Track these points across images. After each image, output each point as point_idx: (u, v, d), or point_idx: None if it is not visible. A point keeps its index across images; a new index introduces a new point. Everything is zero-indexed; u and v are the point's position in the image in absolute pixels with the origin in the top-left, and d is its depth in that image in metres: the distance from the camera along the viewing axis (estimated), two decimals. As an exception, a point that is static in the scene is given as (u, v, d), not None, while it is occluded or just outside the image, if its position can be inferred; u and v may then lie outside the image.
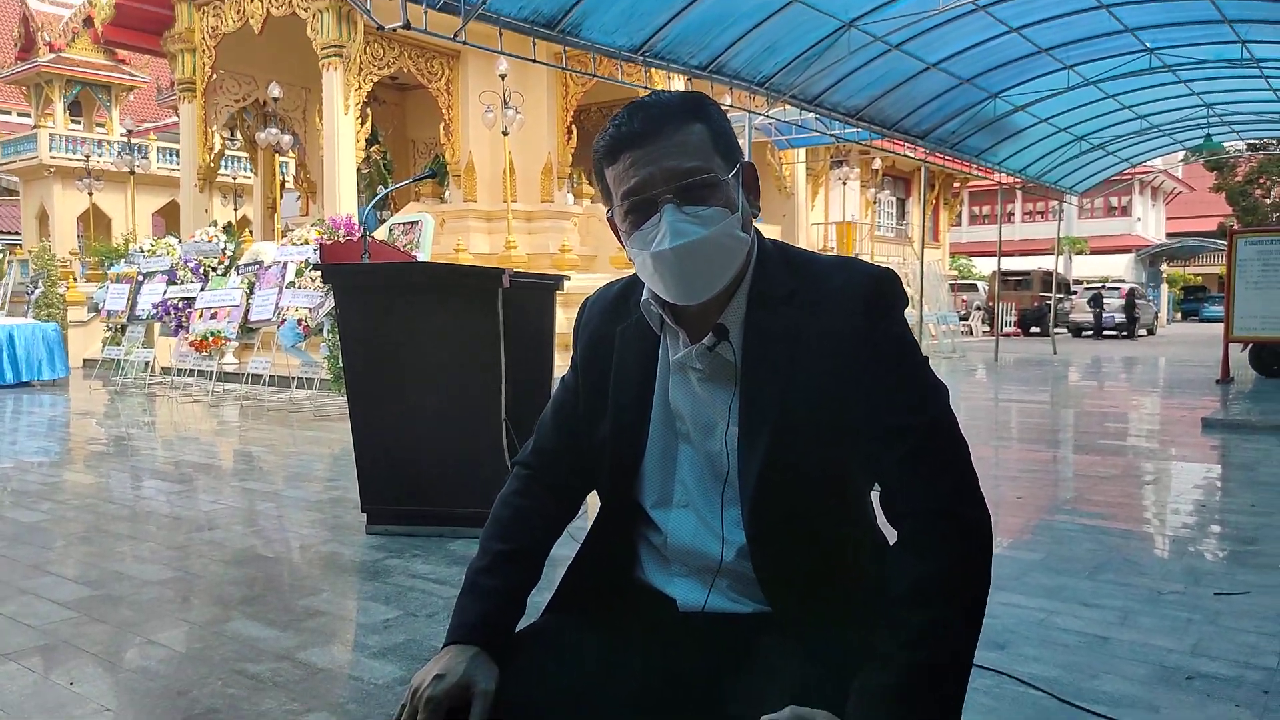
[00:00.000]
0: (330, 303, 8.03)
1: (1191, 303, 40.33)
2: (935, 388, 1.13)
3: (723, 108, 1.20)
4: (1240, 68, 11.28)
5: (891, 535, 1.14)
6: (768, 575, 1.14)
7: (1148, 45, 10.70)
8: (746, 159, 1.17)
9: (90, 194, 19.10)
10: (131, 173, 17.85)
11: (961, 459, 1.11)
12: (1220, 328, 10.99)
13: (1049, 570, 3.39)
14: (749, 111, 10.75)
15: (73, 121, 25.43)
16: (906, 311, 1.23)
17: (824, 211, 21.87)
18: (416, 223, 9.33)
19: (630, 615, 1.22)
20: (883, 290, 1.13)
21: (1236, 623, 2.82)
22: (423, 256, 8.50)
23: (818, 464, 1.12)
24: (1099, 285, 26.06)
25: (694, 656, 1.17)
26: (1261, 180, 34.05)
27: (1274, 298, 10.19)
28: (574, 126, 14.77)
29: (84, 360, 13.66)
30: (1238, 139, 18.91)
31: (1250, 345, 10.98)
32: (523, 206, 14.12)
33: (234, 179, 24.00)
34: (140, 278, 11.32)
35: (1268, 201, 34.36)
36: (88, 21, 20.48)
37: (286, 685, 2.38)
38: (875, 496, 1.20)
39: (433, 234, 9.33)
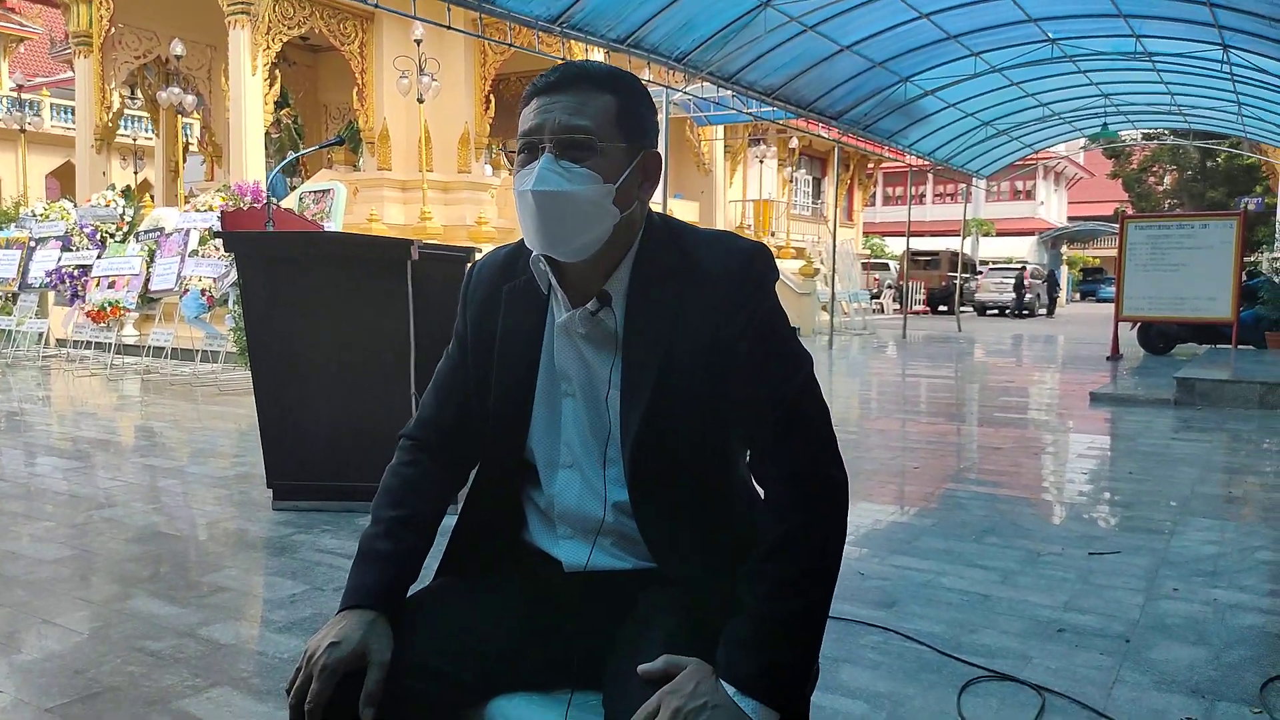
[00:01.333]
0: (235, 273, 7.80)
1: (1090, 284, 42.15)
2: (801, 358, 1.20)
3: (643, 83, 1.24)
4: (1134, 60, 11.85)
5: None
6: (649, 529, 1.21)
7: (1049, 35, 11.13)
8: (654, 150, 1.21)
9: (-26, 153, 17.98)
10: (22, 131, 16.83)
11: (823, 425, 1.19)
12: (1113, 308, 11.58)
13: (940, 535, 3.58)
14: (667, 87, 10.79)
15: (-46, 75, 23.84)
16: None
17: (742, 189, 22.10)
18: (328, 191, 9.12)
19: (519, 577, 1.27)
20: (755, 265, 1.20)
21: (1107, 580, 3.04)
22: (333, 226, 8.32)
23: (694, 426, 1.18)
24: (1019, 267, 26.99)
25: (581, 614, 1.23)
26: (1154, 169, 35.75)
27: (1160, 280, 10.80)
28: (492, 95, 14.54)
29: (-31, 331, 12.93)
30: (1133, 128, 19.81)
31: (1138, 324, 11.61)
32: (439, 177, 13.88)
33: (134, 140, 22.89)
34: (32, 243, 10.76)
35: (1160, 189, 36.13)
36: (-30, -33, 19.19)
37: (188, 661, 2.36)
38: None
39: (345, 203, 9.14)
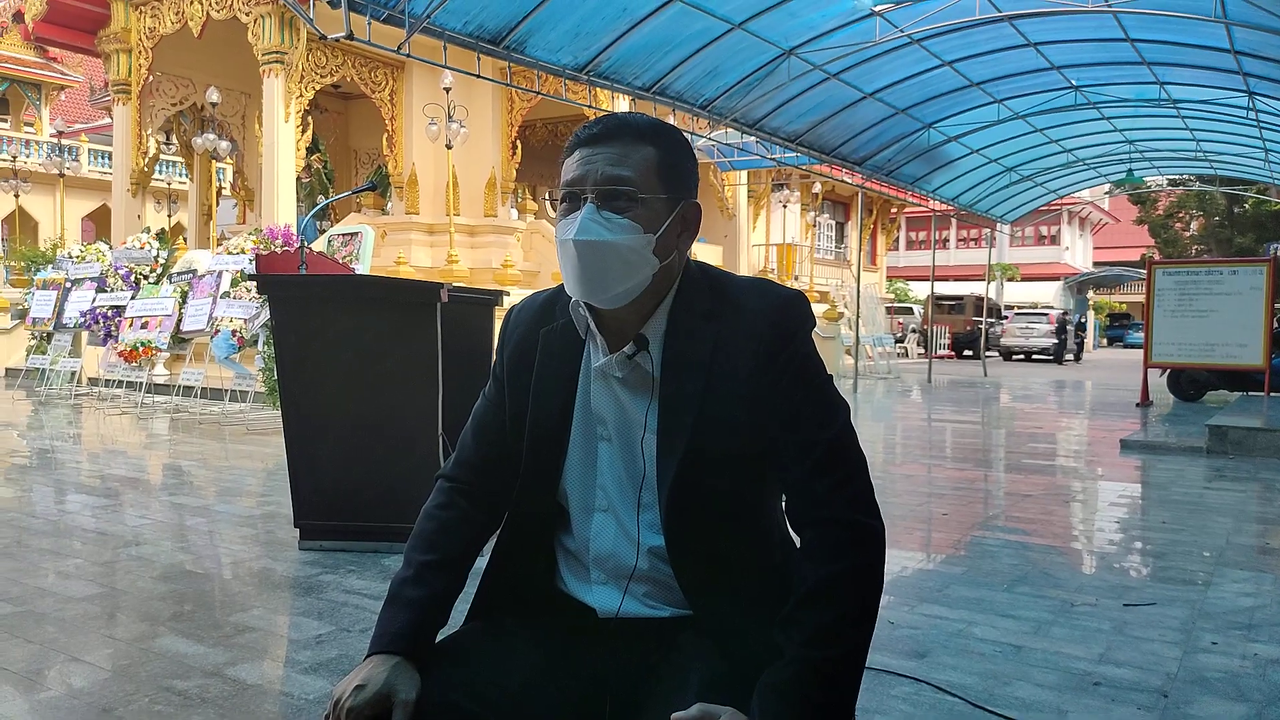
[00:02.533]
0: (266, 314, 7.92)
1: (1117, 329, 41.80)
2: (838, 405, 1.21)
3: (684, 135, 1.26)
4: (1159, 107, 11.89)
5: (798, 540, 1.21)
6: (684, 574, 1.20)
7: (1073, 83, 11.20)
8: (694, 200, 1.23)
9: (16, 196, 18.47)
10: (61, 175, 17.30)
11: (860, 472, 1.19)
12: (1142, 353, 11.45)
13: (970, 583, 3.52)
14: (692, 133, 10.94)
15: (-2, 121, 24.60)
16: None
17: (765, 233, 22.22)
18: (357, 234, 9.26)
19: (550, 623, 1.27)
20: (791, 312, 1.21)
21: (1142, 632, 2.97)
22: (362, 269, 8.44)
23: (729, 470, 1.19)
24: (1048, 311, 26.75)
25: (613, 661, 1.22)
26: (1180, 214, 35.56)
27: (1189, 326, 10.66)
28: (519, 141, 14.78)
29: (6, 369, 13.18)
30: (1158, 174, 19.78)
31: (1168, 370, 11.46)
32: (466, 221, 14.07)
33: (169, 184, 23.43)
34: (68, 284, 11.00)
35: (1187, 235, 35.89)
36: (18, 16, 19.82)
37: (215, 701, 2.36)
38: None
39: (373, 246, 9.28)
